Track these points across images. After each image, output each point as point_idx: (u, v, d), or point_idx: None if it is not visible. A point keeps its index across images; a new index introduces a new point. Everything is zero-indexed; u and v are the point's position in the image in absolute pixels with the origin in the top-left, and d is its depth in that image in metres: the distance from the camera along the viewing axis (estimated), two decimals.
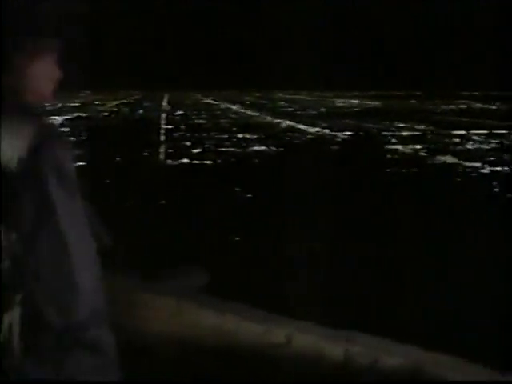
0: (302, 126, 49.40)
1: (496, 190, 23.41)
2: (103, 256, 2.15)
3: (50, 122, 2.10)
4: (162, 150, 36.70)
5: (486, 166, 28.80)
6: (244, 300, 5.13)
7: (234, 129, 47.22)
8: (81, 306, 1.98)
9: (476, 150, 34.74)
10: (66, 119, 53.59)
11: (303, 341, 4.39)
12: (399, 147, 35.66)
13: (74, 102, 79.51)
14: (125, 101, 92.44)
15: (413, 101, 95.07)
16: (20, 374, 2.04)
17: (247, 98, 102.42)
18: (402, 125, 49.45)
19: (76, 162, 2.07)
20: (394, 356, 4.14)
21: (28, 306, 2.01)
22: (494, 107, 77.90)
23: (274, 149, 36.51)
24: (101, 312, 2.05)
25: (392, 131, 44.80)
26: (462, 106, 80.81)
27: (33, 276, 1.97)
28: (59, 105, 69.35)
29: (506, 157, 31.53)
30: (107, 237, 2.16)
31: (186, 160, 32.28)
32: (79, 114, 62.01)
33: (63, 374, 2.02)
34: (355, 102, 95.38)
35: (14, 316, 2.03)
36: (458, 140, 39.41)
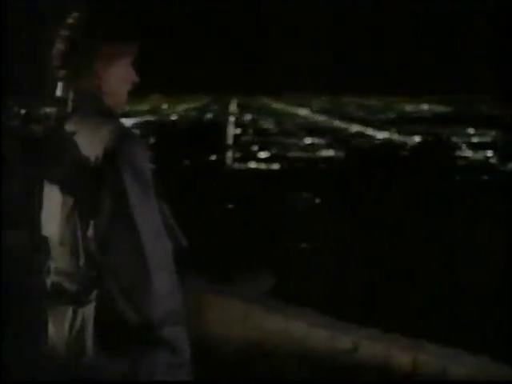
0: (370, 131, 48.99)
1: None
2: (178, 257, 2.17)
3: (125, 123, 2.14)
4: (229, 153, 36.87)
5: None
6: (310, 305, 5.10)
7: (302, 133, 47.12)
8: (156, 306, 2.00)
9: None
10: (136, 122, 54.38)
11: (371, 348, 4.34)
12: (469, 154, 35.04)
13: (144, 106, 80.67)
14: (194, 105, 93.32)
15: (483, 105, 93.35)
16: (92, 369, 2.07)
17: (315, 102, 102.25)
18: (472, 131, 48.61)
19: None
20: (464, 366, 4.05)
21: (103, 303, 2.04)
22: None
23: (341, 154, 36.28)
24: (176, 312, 2.06)
25: (462, 137, 44.07)
26: None
27: (109, 274, 2.00)
28: (128, 108, 70.52)
29: None
30: (183, 238, 2.17)
31: (253, 164, 32.31)
32: (148, 117, 62.86)
33: (139, 371, 2.04)
34: (425, 106, 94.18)
35: (88, 312, 2.07)
36: None
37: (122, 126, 2.06)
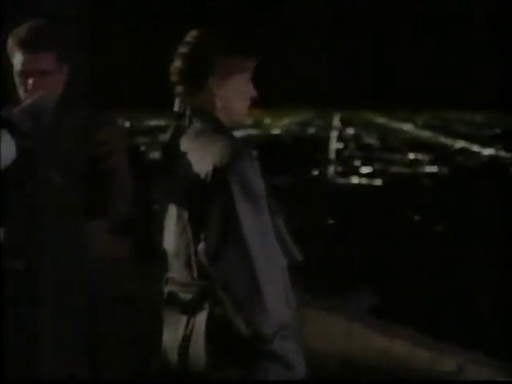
0: (475, 148, 47.81)
1: None
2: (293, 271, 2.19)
3: (238, 138, 2.17)
4: (331, 168, 36.74)
5: None
6: (413, 324, 5.03)
7: (405, 149, 46.44)
8: (267, 319, 2.02)
9: None
10: (238, 136, 54.89)
11: (476, 373, 4.23)
12: None
13: (247, 119, 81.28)
14: (297, 119, 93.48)
15: None
16: (201, 377, 2.11)
17: (419, 117, 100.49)
18: None
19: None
20: None
21: (215, 314, 2.08)
22: None
23: (445, 170, 35.54)
24: (287, 327, 2.07)
25: None
26: None
27: (221, 286, 2.03)
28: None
29: None
30: (298, 253, 2.18)
31: (355, 179, 32.09)
32: (251, 131, 63.42)
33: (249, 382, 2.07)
34: None
35: (200, 322, 2.11)
36: None
37: (234, 142, 2.10)
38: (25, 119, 2.06)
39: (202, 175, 2.06)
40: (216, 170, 2.04)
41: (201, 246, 2.08)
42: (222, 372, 2.08)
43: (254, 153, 2.12)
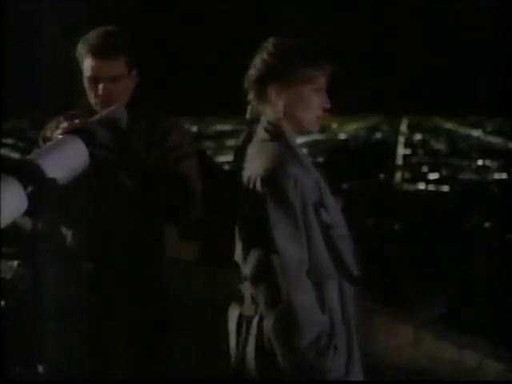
0: None
1: None
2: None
3: (295, 147, 2.16)
4: (398, 174, 36.40)
5: None
6: (483, 334, 4.93)
7: (474, 155, 45.68)
8: (298, 332, 2.01)
9: None
10: (305, 141, 55.01)
11: None
12: None
13: (315, 129, 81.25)
14: (364, 124, 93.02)
15: None
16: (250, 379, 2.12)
17: (489, 123, 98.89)
18: None
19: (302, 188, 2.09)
20: None
21: (261, 327, 2.10)
22: None
23: None
24: (328, 335, 2.05)
25: None
26: None
27: (264, 301, 2.04)
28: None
29: None
30: (355, 268, 2.15)
31: (422, 185, 31.72)
32: (317, 136, 63.39)
33: None
34: None
35: (253, 326, 2.13)
36: None
37: (279, 153, 2.09)
38: (99, 129, 2.09)
39: (245, 181, 2.08)
40: (250, 179, 2.06)
41: (237, 254, 2.13)
42: (263, 376, 2.10)
43: (321, 159, 2.12)
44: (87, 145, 1.98)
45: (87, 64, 2.49)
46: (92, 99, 2.52)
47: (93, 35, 2.52)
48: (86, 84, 2.52)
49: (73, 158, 1.96)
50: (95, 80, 2.49)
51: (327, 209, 2.10)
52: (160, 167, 2.46)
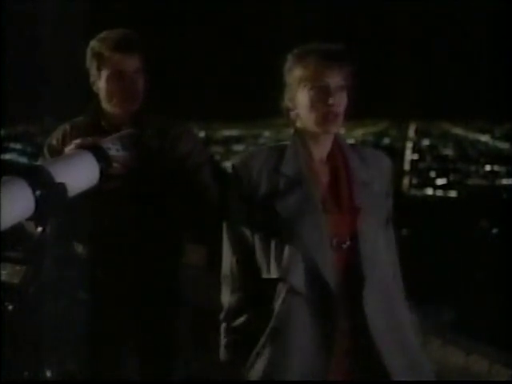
0: None
1: None
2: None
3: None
4: (406, 179, 36.34)
5: None
6: (491, 341, 4.90)
7: (482, 160, 45.56)
8: None
9: None
10: None
11: None
12: None
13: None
14: (372, 129, 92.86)
15: None
16: None
17: (498, 128, 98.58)
18: None
19: None
20: None
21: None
22: None
23: None
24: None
25: None
26: None
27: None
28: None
29: None
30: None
31: (430, 191, 31.66)
32: None
33: None
34: None
35: None
36: None
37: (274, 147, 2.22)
38: (112, 147, 2.09)
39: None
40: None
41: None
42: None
43: None
44: (99, 161, 1.97)
45: (111, 60, 2.47)
46: (109, 98, 2.50)
47: (111, 33, 2.51)
48: (104, 84, 2.50)
49: (83, 172, 1.94)
50: (119, 74, 2.47)
51: None
52: (178, 178, 2.45)
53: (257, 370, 2.13)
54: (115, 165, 2.07)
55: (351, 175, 2.15)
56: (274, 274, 2.10)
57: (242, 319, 2.19)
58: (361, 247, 2.08)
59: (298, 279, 2.06)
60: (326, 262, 2.06)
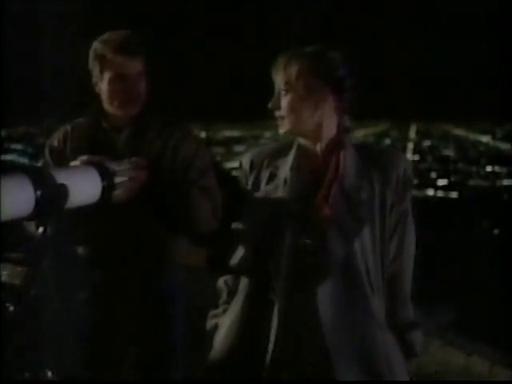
0: None
1: None
2: None
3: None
4: None
5: None
6: (492, 342, 4.91)
7: (483, 161, 45.59)
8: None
9: None
10: None
11: None
12: None
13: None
14: (373, 130, 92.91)
15: None
16: None
17: (499, 129, 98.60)
18: None
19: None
20: None
21: None
22: None
23: None
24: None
25: None
26: None
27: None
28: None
29: None
30: None
31: (431, 191, 31.67)
32: None
33: None
34: None
35: None
36: None
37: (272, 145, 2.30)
38: (119, 171, 2.10)
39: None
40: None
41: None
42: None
43: None
44: (102, 178, 1.98)
45: (113, 62, 2.47)
46: (111, 100, 2.50)
47: (114, 35, 2.51)
48: (106, 85, 2.50)
49: (85, 185, 1.94)
50: (121, 77, 2.47)
51: None
52: (181, 185, 2.45)
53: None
54: (118, 191, 2.07)
55: (337, 182, 2.11)
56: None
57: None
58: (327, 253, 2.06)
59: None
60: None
